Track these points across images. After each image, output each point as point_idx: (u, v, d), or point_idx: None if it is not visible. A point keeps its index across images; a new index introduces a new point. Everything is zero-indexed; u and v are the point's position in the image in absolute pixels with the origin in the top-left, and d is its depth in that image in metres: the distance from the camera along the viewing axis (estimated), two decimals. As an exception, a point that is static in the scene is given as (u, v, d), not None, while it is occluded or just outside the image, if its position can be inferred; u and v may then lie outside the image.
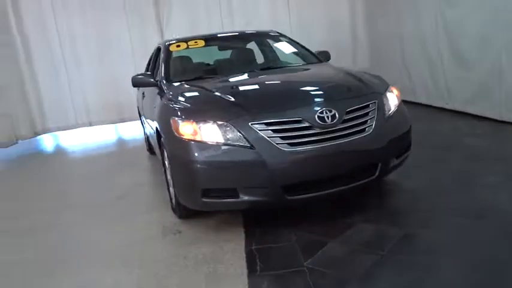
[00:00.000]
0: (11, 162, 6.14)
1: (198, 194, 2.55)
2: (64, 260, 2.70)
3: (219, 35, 4.62)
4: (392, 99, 2.94)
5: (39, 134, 7.45)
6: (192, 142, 2.55)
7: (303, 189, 2.53)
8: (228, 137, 2.49)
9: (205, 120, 2.56)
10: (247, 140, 2.45)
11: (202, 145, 2.52)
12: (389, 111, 2.84)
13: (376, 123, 2.64)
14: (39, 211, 3.64)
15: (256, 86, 3.26)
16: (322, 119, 2.50)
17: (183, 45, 3.94)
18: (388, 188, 3.19)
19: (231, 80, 3.38)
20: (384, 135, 2.67)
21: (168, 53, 3.84)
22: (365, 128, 2.61)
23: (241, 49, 4.22)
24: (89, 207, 3.61)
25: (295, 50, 4.05)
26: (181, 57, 3.95)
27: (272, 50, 4.30)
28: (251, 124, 2.47)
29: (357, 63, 8.06)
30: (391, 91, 3.00)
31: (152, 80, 3.59)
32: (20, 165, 5.86)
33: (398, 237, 2.41)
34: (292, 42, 4.16)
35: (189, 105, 2.86)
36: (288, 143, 2.45)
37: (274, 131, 2.47)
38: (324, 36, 7.75)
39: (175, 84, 3.38)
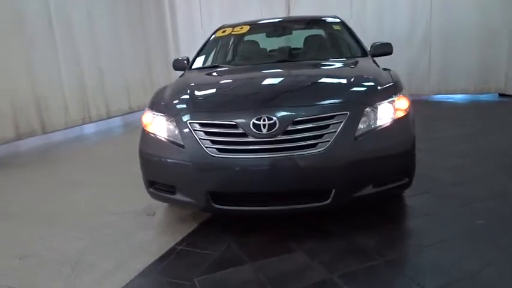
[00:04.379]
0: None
1: (146, 183, 2.61)
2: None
3: (266, 21, 4.35)
4: (387, 112, 2.35)
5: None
6: (145, 132, 2.59)
7: (232, 200, 2.32)
8: (169, 133, 2.44)
9: (159, 113, 2.56)
10: (181, 139, 2.36)
11: (151, 137, 2.53)
12: (374, 125, 2.28)
13: (336, 139, 2.17)
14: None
15: (230, 81, 3.02)
16: (257, 127, 2.20)
17: (228, 30, 3.90)
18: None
19: (230, 71, 3.23)
20: (345, 155, 2.17)
21: (209, 38, 3.87)
22: (317, 144, 2.17)
23: (286, 37, 3.92)
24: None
25: (339, 41, 3.55)
26: (221, 42, 3.91)
27: (315, 40, 3.84)
28: (189, 123, 2.36)
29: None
30: (391, 102, 2.39)
31: (181, 65, 3.67)
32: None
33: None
34: (343, 31, 3.64)
35: (163, 94, 2.87)
36: (217, 148, 2.25)
37: (206, 133, 2.30)
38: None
39: (189, 71, 3.41)
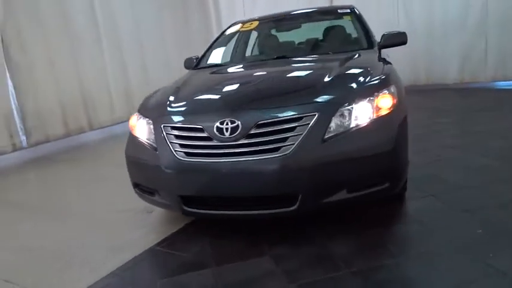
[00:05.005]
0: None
1: (132, 184, 2.70)
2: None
3: (273, 16, 4.18)
4: (365, 111, 2.19)
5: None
6: (130, 134, 2.67)
7: (201, 204, 2.31)
8: (148, 136, 2.49)
9: (142, 116, 2.62)
10: (156, 142, 2.39)
11: (134, 140, 2.61)
12: (349, 126, 2.14)
13: (301, 142, 2.07)
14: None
15: (210, 83, 2.97)
16: (221, 130, 2.16)
17: (238, 27, 3.87)
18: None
19: (221, 71, 3.21)
20: (311, 159, 2.06)
21: (220, 35, 3.86)
22: (280, 147, 2.09)
23: (295, 31, 3.78)
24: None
25: (344, 34, 3.37)
26: (229, 39, 3.89)
27: (320, 33, 3.65)
28: (162, 126, 2.39)
29: None
30: (371, 101, 2.22)
31: (191, 64, 3.70)
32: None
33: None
34: (354, 22, 3.44)
35: (151, 97, 2.91)
36: (185, 152, 2.26)
37: (176, 136, 2.32)
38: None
39: (191, 71, 3.44)
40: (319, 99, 2.20)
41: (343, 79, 2.43)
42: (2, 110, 5.59)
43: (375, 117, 2.20)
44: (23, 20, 5.80)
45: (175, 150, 2.28)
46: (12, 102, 5.77)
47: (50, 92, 6.16)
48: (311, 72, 2.77)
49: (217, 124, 2.17)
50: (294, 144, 2.07)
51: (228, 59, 3.73)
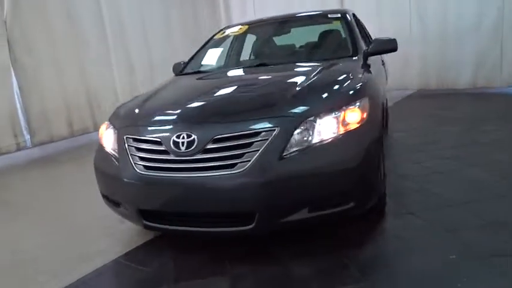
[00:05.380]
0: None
1: (101, 194, 2.66)
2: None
3: (261, 21, 4.03)
4: (329, 126, 2.07)
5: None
6: (99, 143, 2.63)
7: (161, 218, 2.25)
8: (113, 146, 2.44)
9: (111, 125, 2.57)
10: (118, 153, 2.34)
11: (101, 149, 2.56)
12: (310, 142, 2.03)
13: (258, 159, 1.97)
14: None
15: (180, 92, 2.89)
16: (177, 144, 2.09)
17: (227, 31, 3.78)
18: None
19: (196, 79, 3.13)
20: (268, 176, 1.96)
21: (207, 41, 3.79)
22: (236, 164, 2.00)
23: (280, 38, 3.67)
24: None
25: (329, 40, 3.24)
26: (216, 44, 3.81)
27: (304, 39, 3.53)
28: (125, 137, 2.33)
29: None
30: (337, 115, 2.10)
31: (179, 70, 3.64)
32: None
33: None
34: (343, 27, 3.30)
35: (122, 106, 2.85)
36: (144, 165, 2.19)
37: (136, 148, 2.26)
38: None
39: (174, 77, 3.38)
40: (280, 114, 2.09)
41: (309, 92, 2.30)
42: (7, 110, 5.71)
43: (340, 132, 2.08)
44: (29, 21, 5.89)
45: (134, 163, 2.22)
46: (17, 103, 5.88)
47: (55, 92, 6.25)
48: (279, 84, 2.65)
49: (174, 138, 2.10)
50: (250, 160, 1.98)
51: (214, 65, 3.64)
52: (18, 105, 5.87)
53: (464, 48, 6.95)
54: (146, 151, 2.22)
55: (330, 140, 2.05)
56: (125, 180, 2.22)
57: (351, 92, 2.26)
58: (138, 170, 2.19)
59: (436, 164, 3.56)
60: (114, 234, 2.81)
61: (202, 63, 3.56)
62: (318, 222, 2.18)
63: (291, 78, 2.64)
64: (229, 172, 1.99)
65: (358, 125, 2.13)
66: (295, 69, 2.97)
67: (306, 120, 2.06)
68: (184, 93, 2.82)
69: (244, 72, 3.15)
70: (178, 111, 2.34)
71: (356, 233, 2.47)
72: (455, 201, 2.74)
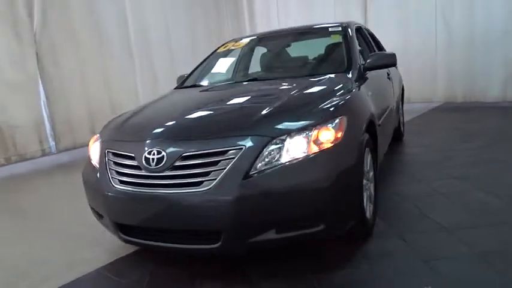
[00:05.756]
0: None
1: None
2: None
3: (257, 35, 3.98)
4: (298, 146, 2.03)
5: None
6: (88, 155, 2.70)
7: (135, 232, 2.28)
8: (95, 158, 2.51)
9: (99, 137, 2.64)
10: (99, 166, 2.40)
11: (88, 161, 2.63)
12: (278, 161, 2.00)
13: (224, 177, 1.96)
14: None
15: (163, 107, 2.92)
16: (148, 160, 2.12)
17: (229, 45, 3.81)
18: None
19: (187, 95, 3.18)
20: (233, 195, 1.94)
21: (211, 54, 3.83)
22: (203, 182, 2.00)
23: (279, 52, 3.64)
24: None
25: (323, 54, 3.18)
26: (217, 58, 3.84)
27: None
28: (106, 151, 2.39)
29: None
30: (308, 134, 2.05)
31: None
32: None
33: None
34: (342, 41, 3.24)
35: (115, 118, 2.92)
36: (119, 180, 2.24)
37: (114, 163, 2.31)
38: None
39: (172, 90, 3.44)
40: (248, 133, 2.07)
41: (282, 111, 2.27)
42: (33, 117, 6.02)
43: (311, 151, 2.03)
44: (57, 33, 6.21)
45: (112, 177, 2.27)
46: (44, 111, 6.19)
47: (79, 101, 6.53)
48: (255, 101, 2.63)
49: (145, 154, 2.14)
50: (216, 179, 1.97)
51: (207, 79, 3.65)
52: (44, 113, 6.18)
53: (493, 57, 6.61)
54: (122, 166, 2.26)
55: (299, 159, 2.01)
56: (104, 193, 2.28)
57: (326, 111, 2.21)
58: (114, 184, 2.24)
59: (442, 185, 3.38)
60: (103, 244, 2.86)
61: (198, 77, 3.60)
62: (287, 243, 2.13)
63: (269, 96, 2.62)
64: (196, 190, 1.99)
65: (331, 145, 2.07)
66: (279, 86, 2.94)
67: (275, 139, 2.03)
68: (165, 109, 2.86)
69: (228, 87, 3.19)
70: (153, 127, 2.36)
71: (335, 254, 2.40)
72: (449, 227, 2.60)
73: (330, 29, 3.47)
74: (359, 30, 3.86)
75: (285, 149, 2.02)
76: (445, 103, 7.35)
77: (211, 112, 2.59)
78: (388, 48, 7.40)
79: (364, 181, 2.42)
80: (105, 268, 2.53)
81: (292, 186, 1.98)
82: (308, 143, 2.04)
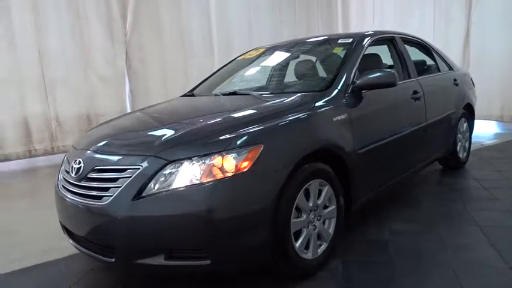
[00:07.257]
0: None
1: None
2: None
3: (277, 45, 3.66)
4: (193, 172, 1.93)
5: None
6: None
7: (72, 237, 2.39)
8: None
9: None
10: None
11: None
12: (170, 186, 1.93)
13: (118, 195, 1.97)
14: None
15: (127, 117, 2.94)
16: (72, 169, 2.25)
17: (245, 55, 3.73)
18: None
19: (164, 105, 3.21)
20: (122, 214, 1.93)
21: (229, 62, 3.81)
22: (103, 196, 2.04)
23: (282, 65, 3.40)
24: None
25: (314, 70, 2.87)
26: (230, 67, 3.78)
27: (301, 66, 3.15)
28: (65, 156, 2.59)
29: None
30: (205, 161, 1.93)
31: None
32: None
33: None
34: (344, 56, 2.90)
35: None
36: (62, 185, 2.39)
37: (64, 168, 2.48)
38: None
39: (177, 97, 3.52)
40: (147, 153, 2.03)
41: (194, 133, 2.14)
42: (118, 108, 6.78)
43: (206, 180, 1.89)
44: (146, 35, 6.86)
45: (59, 181, 2.45)
46: (128, 103, 6.94)
47: (159, 97, 7.11)
48: (183, 119, 2.51)
49: (72, 162, 2.27)
50: (112, 195, 1.99)
51: (203, 89, 3.60)
52: (128, 106, 6.93)
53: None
54: (66, 172, 2.43)
55: (190, 186, 1.89)
56: (56, 200, 2.45)
57: (238, 138, 2.01)
58: (58, 188, 2.41)
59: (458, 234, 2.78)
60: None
61: (201, 86, 3.62)
62: (182, 273, 2.05)
63: (199, 117, 2.52)
64: (97, 203, 2.04)
65: (230, 175, 1.90)
66: (225, 104, 2.88)
67: (172, 163, 1.95)
68: (124, 120, 2.90)
69: (193, 101, 3.20)
70: (95, 138, 2.45)
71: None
72: None
73: (339, 41, 3.11)
74: (394, 41, 3.39)
75: (179, 174, 1.93)
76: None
77: (144, 127, 2.60)
78: (493, 55, 6.33)
79: (304, 216, 2.18)
80: (76, 282, 2.46)
81: (178, 214, 1.89)
82: (204, 170, 1.91)
